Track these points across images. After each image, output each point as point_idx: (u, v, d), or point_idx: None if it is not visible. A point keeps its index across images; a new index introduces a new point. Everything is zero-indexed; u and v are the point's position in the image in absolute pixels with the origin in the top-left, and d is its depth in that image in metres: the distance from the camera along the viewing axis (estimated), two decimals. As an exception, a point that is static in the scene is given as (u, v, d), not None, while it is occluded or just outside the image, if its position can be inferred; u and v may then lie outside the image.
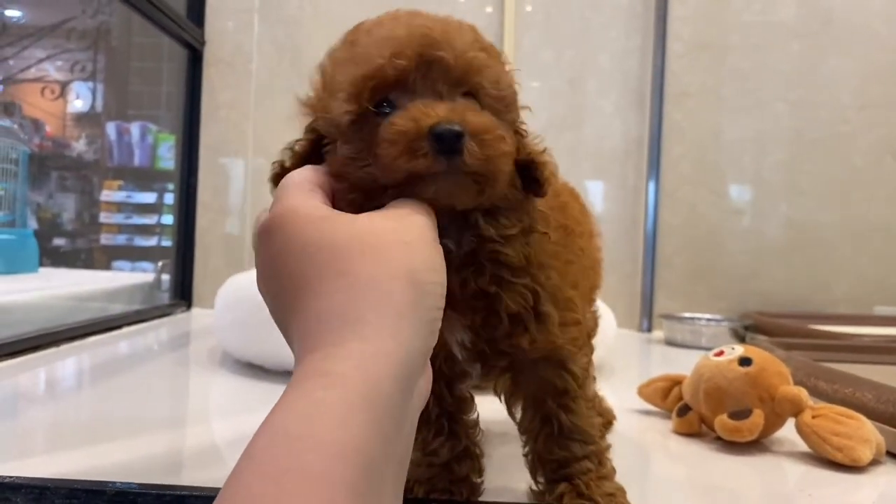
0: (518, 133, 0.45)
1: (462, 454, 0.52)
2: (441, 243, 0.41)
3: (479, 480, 0.53)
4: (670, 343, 1.36)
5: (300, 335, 0.35)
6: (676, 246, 1.56)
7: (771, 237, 1.58)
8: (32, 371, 0.94)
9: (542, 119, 1.57)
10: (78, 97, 3.75)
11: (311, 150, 0.44)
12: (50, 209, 3.47)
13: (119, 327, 1.24)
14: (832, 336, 1.18)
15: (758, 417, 0.65)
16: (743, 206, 1.59)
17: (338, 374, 0.31)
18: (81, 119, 3.79)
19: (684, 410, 0.72)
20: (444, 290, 0.38)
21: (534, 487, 0.51)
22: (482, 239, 0.44)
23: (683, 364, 0.84)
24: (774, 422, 0.67)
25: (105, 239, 3.50)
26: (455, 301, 0.44)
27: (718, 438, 0.68)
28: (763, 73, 1.56)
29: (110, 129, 3.52)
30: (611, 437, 0.75)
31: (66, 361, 1.01)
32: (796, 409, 0.65)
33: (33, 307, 1.09)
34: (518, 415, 0.51)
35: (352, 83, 0.40)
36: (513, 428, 0.53)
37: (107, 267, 3.37)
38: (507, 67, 0.45)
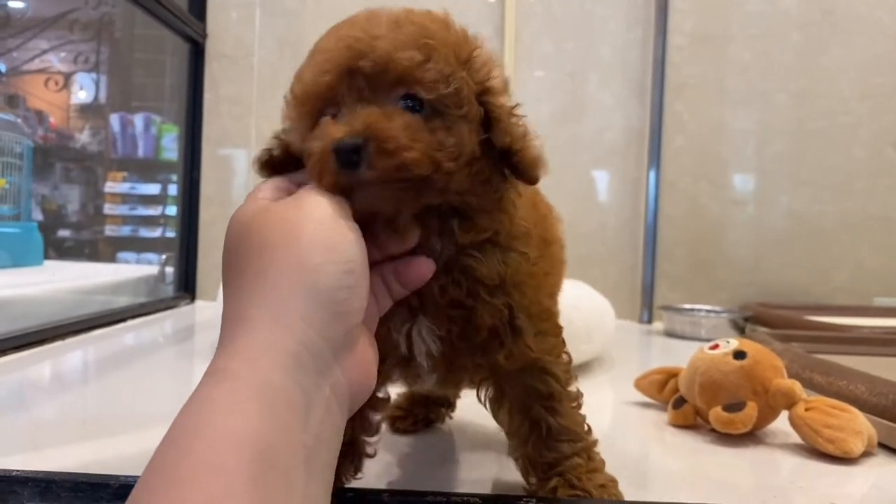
0: (493, 118, 0.43)
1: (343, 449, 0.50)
2: (427, 246, 0.43)
3: (351, 477, 0.51)
4: (670, 334, 1.37)
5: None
6: (677, 237, 1.57)
7: (772, 228, 1.58)
8: (38, 364, 0.95)
9: (542, 111, 1.58)
10: (81, 88, 3.75)
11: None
12: (55, 201, 3.48)
13: (124, 320, 1.25)
14: (830, 328, 1.18)
15: (752, 410, 0.66)
16: (744, 197, 1.59)
17: (227, 369, 0.32)
18: (85, 110, 3.79)
19: (680, 403, 0.73)
20: (349, 267, 0.37)
21: (526, 487, 0.51)
22: (459, 248, 0.44)
23: (683, 355, 0.84)
24: (768, 414, 0.68)
25: (110, 230, 3.52)
26: (431, 308, 0.45)
27: (713, 430, 0.69)
28: (764, 63, 1.56)
29: (114, 120, 3.53)
30: (608, 429, 0.77)
31: (72, 355, 1.02)
32: (790, 402, 0.66)
33: (38, 301, 1.10)
34: (505, 420, 0.52)
35: (294, 108, 0.42)
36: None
37: (112, 258, 3.39)
38: (473, 55, 0.43)
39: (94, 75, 3.67)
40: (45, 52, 3.56)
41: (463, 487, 0.54)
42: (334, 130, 0.39)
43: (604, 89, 1.58)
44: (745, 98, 1.57)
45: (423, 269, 0.43)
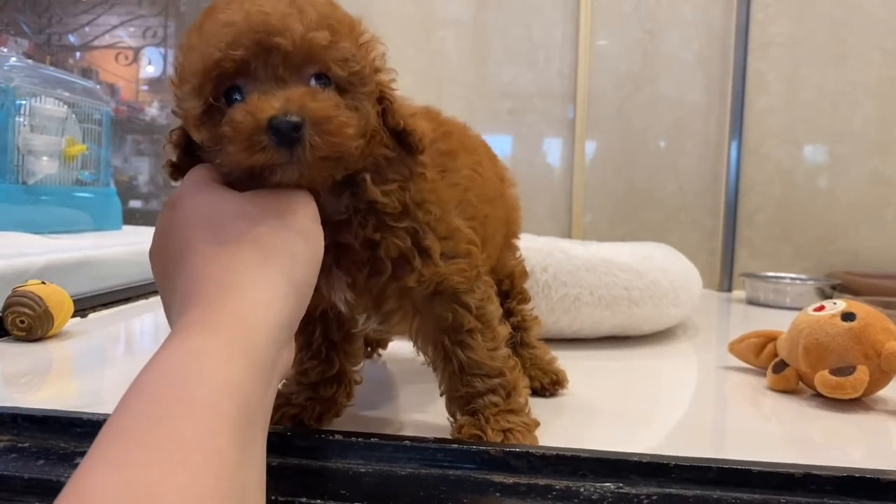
0: (385, 99, 0.45)
1: (332, 378, 0.54)
2: (330, 200, 0.45)
3: (345, 402, 0.55)
4: (752, 302, 1.32)
5: (183, 291, 0.38)
6: (759, 203, 1.51)
7: (859, 194, 1.50)
8: (128, 320, 0.98)
9: (620, 71, 1.53)
10: (150, 63, 3.83)
11: (188, 138, 0.45)
12: (126, 172, 3.58)
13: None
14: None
15: (862, 374, 0.62)
16: (830, 161, 1.51)
17: (220, 324, 0.35)
18: (153, 84, 3.87)
19: (780, 367, 0.69)
20: (318, 260, 0.41)
21: (451, 421, 0.52)
22: (367, 197, 0.45)
23: (767, 323, 0.81)
24: (880, 379, 0.64)
25: (178, 201, 3.59)
26: (341, 258, 0.46)
27: (816, 395, 0.66)
28: (855, 20, 1.47)
29: (181, 93, 3.59)
30: (696, 393, 0.74)
31: (156, 313, 1.04)
32: (905, 366, 0.62)
33: (121, 261, 1.13)
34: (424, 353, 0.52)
35: (195, 75, 0.40)
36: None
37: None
38: (363, 38, 0.44)
39: (161, 50, 3.74)
40: (114, 27, 3.64)
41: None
42: (266, 106, 0.38)
43: (684, 49, 1.51)
44: (834, 57, 1.48)
45: None
